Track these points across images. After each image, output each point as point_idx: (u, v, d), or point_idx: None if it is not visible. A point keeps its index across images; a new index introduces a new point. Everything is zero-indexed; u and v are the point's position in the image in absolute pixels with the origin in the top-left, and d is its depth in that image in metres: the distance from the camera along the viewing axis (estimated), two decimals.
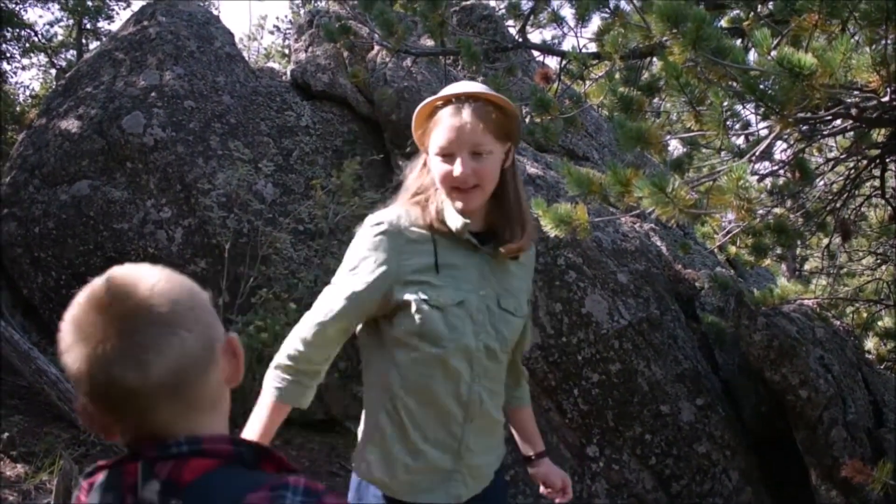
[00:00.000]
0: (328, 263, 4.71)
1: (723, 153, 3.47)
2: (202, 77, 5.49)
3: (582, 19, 3.89)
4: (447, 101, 1.55)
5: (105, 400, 0.83)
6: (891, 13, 2.31)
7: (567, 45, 4.32)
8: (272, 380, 1.55)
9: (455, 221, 1.53)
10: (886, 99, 2.34)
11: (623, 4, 3.70)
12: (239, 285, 4.58)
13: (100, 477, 0.90)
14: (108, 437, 0.89)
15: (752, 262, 4.38)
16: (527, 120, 3.95)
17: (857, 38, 2.58)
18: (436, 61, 5.12)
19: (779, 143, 4.29)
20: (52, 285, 4.83)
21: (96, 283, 0.85)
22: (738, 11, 3.75)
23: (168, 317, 0.83)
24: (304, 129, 5.57)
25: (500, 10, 6.46)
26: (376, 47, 5.74)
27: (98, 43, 10.91)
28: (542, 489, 1.81)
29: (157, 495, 0.82)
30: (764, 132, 3.08)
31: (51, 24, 14.17)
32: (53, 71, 12.30)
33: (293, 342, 1.54)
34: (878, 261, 6.10)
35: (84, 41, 11.94)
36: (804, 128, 2.91)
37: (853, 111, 2.61)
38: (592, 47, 3.94)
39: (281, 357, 1.56)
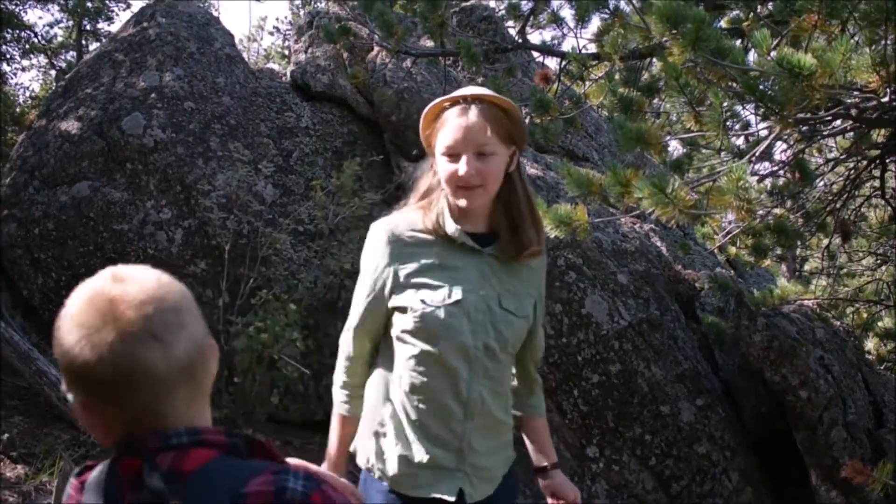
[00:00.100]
0: (328, 264, 4.71)
1: (723, 154, 3.47)
2: (202, 78, 5.49)
3: (582, 20, 3.89)
4: (454, 102, 1.59)
5: (122, 387, 0.84)
6: (890, 13, 2.31)
7: (567, 46, 4.31)
8: (335, 397, 1.72)
9: (450, 227, 1.59)
10: (886, 99, 2.35)
11: (623, 5, 3.70)
12: (239, 286, 4.58)
13: (91, 475, 0.91)
14: (106, 436, 0.90)
15: (751, 262, 4.39)
16: (527, 121, 3.95)
17: (856, 38, 2.59)
18: (436, 62, 5.12)
19: (779, 143, 4.29)
20: (52, 286, 4.83)
21: (97, 281, 0.88)
22: (737, 12, 3.76)
23: (177, 305, 0.88)
24: (304, 130, 5.57)
25: (499, 10, 6.47)
26: (376, 48, 5.74)
27: (98, 44, 10.89)
28: (550, 501, 1.78)
29: (161, 485, 0.84)
30: (764, 133, 3.08)
31: (51, 26, 14.22)
32: (53, 72, 12.31)
33: (339, 358, 1.71)
34: (878, 261, 6.10)
35: (84, 42, 11.93)
36: (804, 128, 2.91)
37: (853, 112, 2.61)
38: (592, 48, 3.94)
39: (336, 374, 1.72)
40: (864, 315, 4.90)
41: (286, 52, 15.25)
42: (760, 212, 3.78)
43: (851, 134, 3.84)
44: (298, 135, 5.52)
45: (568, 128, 3.96)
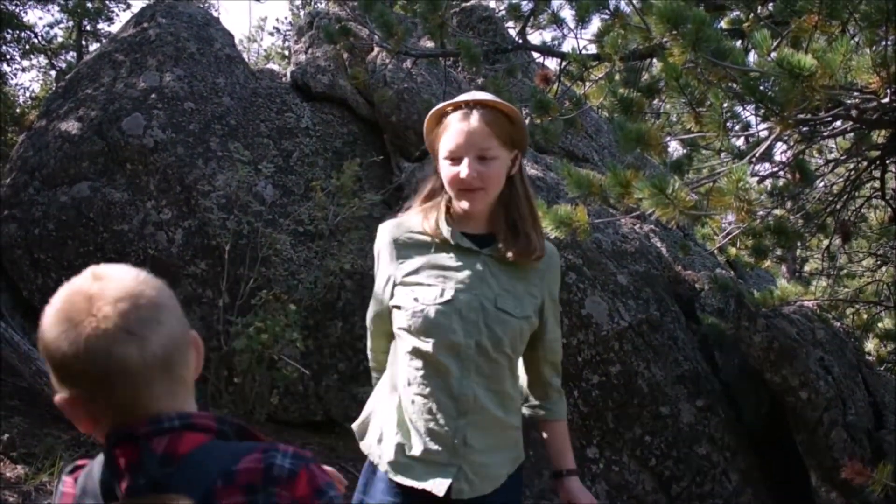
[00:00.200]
0: (328, 265, 4.71)
1: (723, 154, 3.47)
2: (202, 79, 5.49)
3: (582, 21, 3.89)
4: (457, 106, 1.65)
5: (100, 381, 0.88)
6: (891, 14, 2.32)
7: (567, 47, 4.31)
8: (373, 380, 1.90)
9: (444, 229, 1.66)
10: (886, 100, 2.35)
11: (623, 6, 3.70)
12: (239, 287, 4.58)
13: (82, 473, 0.96)
14: (95, 429, 0.93)
15: (752, 263, 4.38)
16: (527, 121, 3.95)
17: (857, 39, 2.59)
18: (436, 63, 5.12)
19: (779, 144, 4.29)
20: (52, 287, 4.79)
21: (78, 280, 0.92)
22: (738, 13, 3.76)
23: (156, 300, 0.92)
24: (304, 130, 5.57)
25: (500, 11, 6.47)
26: (376, 49, 5.74)
27: (98, 45, 10.90)
28: None
29: (157, 469, 0.88)
30: (764, 133, 3.08)
31: (51, 26, 14.23)
32: (53, 72, 12.31)
33: (368, 347, 1.89)
34: (879, 262, 6.10)
35: (84, 43, 11.93)
36: (804, 129, 2.92)
37: (853, 112, 2.61)
38: (592, 49, 3.95)
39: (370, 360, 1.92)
40: (865, 316, 4.91)
41: (286, 53, 15.27)
42: (760, 213, 3.78)
43: (852, 135, 3.84)
44: (298, 135, 5.51)
45: (568, 128, 3.96)
